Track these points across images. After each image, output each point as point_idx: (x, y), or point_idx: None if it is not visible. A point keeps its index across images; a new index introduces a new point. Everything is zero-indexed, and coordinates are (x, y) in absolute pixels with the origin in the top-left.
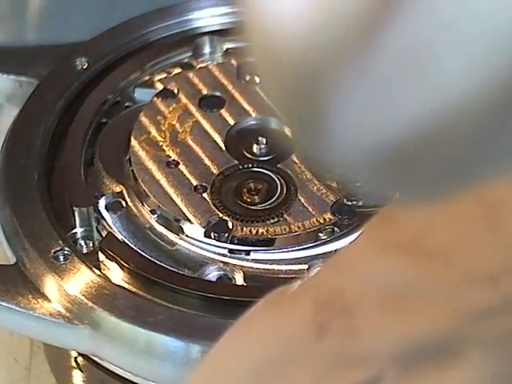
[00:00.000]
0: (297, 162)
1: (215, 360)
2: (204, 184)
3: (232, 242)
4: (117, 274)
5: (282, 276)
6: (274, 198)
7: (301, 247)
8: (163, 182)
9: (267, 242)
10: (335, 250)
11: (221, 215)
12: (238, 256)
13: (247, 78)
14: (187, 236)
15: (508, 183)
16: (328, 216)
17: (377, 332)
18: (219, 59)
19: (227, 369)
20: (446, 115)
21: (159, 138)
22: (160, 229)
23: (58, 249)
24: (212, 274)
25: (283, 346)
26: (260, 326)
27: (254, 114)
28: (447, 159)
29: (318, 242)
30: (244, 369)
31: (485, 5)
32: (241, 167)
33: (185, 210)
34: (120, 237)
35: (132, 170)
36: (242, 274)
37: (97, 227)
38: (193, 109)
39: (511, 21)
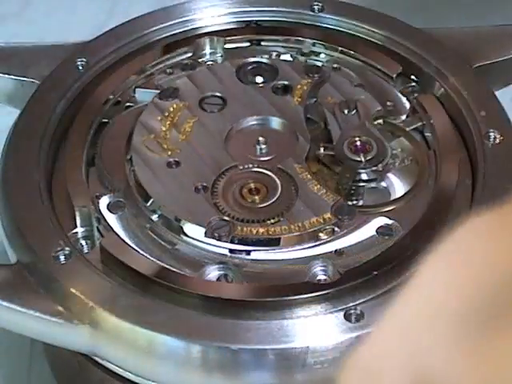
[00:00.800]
0: (297, 162)
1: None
2: (204, 184)
3: (232, 242)
4: (117, 273)
5: (282, 276)
6: (274, 198)
7: (301, 247)
8: (164, 181)
9: (267, 242)
10: (335, 250)
11: (221, 215)
12: (239, 256)
13: (247, 78)
14: (187, 236)
15: None
16: (328, 216)
17: None
18: (219, 60)
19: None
20: None
21: (160, 138)
22: (160, 229)
23: (59, 248)
24: (212, 273)
25: None
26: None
27: (254, 115)
28: None
29: (318, 242)
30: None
31: None
32: (241, 167)
33: (185, 209)
34: (121, 236)
35: (133, 170)
36: (242, 274)
37: (97, 227)
38: (193, 109)
39: None
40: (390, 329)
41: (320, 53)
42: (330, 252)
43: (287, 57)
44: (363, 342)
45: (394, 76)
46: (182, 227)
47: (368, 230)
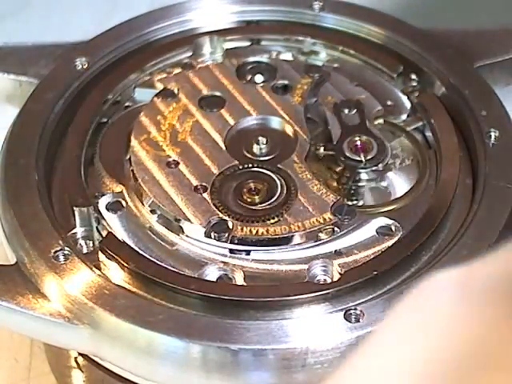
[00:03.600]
0: (297, 161)
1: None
2: (204, 184)
3: (232, 242)
4: (117, 273)
5: (282, 276)
6: (274, 198)
7: (301, 247)
8: (163, 181)
9: (267, 242)
10: (335, 250)
11: (221, 215)
12: (238, 256)
13: (247, 77)
14: (187, 236)
15: None
16: (328, 216)
17: None
18: (219, 59)
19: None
20: None
21: (159, 138)
22: (160, 229)
23: (58, 249)
24: (212, 274)
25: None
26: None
27: (254, 114)
28: None
29: (318, 242)
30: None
31: None
32: (241, 167)
33: (185, 209)
34: (120, 237)
35: (132, 170)
36: (242, 274)
37: (97, 227)
38: (193, 109)
39: None
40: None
41: (320, 52)
42: (330, 252)
43: (287, 56)
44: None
45: (395, 76)
46: (181, 227)
47: (368, 230)
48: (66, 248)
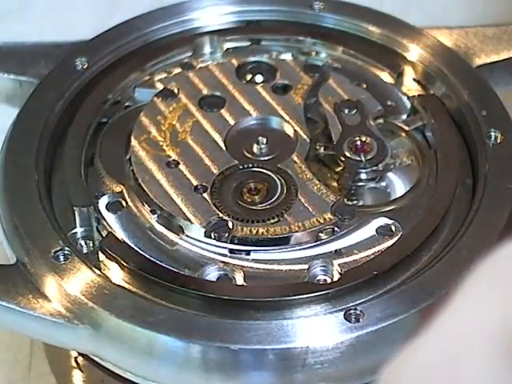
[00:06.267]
0: (297, 161)
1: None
2: (204, 184)
3: (232, 242)
4: (117, 273)
5: (282, 276)
6: (274, 198)
7: (301, 247)
8: (163, 181)
9: (267, 242)
10: (335, 250)
11: (221, 215)
12: (238, 256)
13: (247, 77)
14: (187, 236)
15: None
16: (328, 216)
17: None
18: (219, 59)
19: None
20: None
21: (159, 138)
22: (160, 229)
23: (58, 249)
24: (212, 274)
25: None
26: None
27: (254, 114)
28: None
29: (318, 242)
30: None
31: None
32: (241, 167)
33: (185, 209)
34: (120, 237)
35: (132, 170)
36: (242, 274)
37: (97, 227)
38: (193, 109)
39: None
40: (436, 343)
41: (320, 52)
42: (330, 252)
43: (287, 56)
44: (408, 350)
45: (395, 76)
46: (181, 227)
47: (368, 230)
48: (66, 248)
